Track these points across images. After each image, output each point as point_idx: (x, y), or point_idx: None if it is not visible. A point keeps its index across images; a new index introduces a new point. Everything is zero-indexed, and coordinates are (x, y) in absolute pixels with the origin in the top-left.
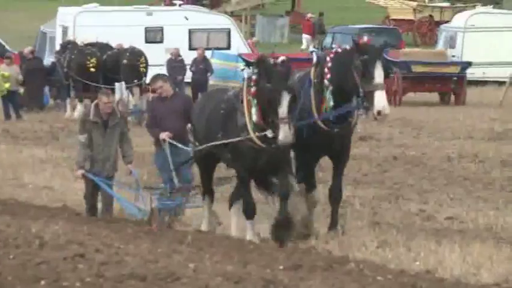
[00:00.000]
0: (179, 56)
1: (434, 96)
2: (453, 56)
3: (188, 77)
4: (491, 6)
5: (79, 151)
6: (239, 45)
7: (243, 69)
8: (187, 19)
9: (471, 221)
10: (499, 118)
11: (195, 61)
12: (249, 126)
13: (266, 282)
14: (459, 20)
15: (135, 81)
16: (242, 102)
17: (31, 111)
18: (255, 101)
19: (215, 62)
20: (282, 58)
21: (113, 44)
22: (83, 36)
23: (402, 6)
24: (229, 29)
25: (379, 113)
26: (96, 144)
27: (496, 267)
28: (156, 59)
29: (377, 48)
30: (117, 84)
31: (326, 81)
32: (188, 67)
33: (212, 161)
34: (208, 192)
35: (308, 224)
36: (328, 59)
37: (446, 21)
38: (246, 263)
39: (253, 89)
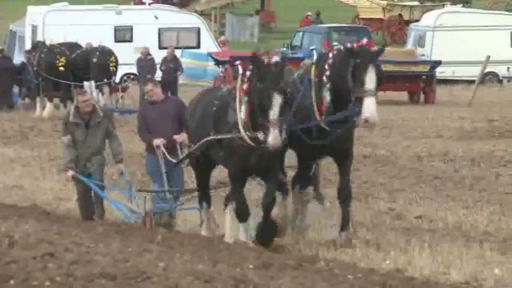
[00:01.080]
0: (149, 55)
1: (404, 95)
2: (422, 55)
3: (158, 76)
4: (461, 5)
5: (64, 153)
6: (209, 44)
7: (238, 64)
8: (157, 18)
9: (441, 219)
10: (468, 117)
11: (164, 60)
12: (240, 124)
13: (236, 281)
14: (428, 19)
15: (105, 80)
16: (235, 99)
17: (0, 111)
18: (245, 99)
19: (185, 61)
20: (276, 58)
21: (83, 43)
22: (52, 35)
23: (372, 5)
24: (199, 27)
25: (366, 120)
26: (78, 144)
27: (466, 266)
28: (126, 58)
29: (371, 53)
30: (86, 83)
31: (325, 79)
32: (158, 66)
33: (208, 164)
34: (205, 198)
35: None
36: (330, 55)
37: (416, 20)
38: (216, 262)
39: (245, 86)
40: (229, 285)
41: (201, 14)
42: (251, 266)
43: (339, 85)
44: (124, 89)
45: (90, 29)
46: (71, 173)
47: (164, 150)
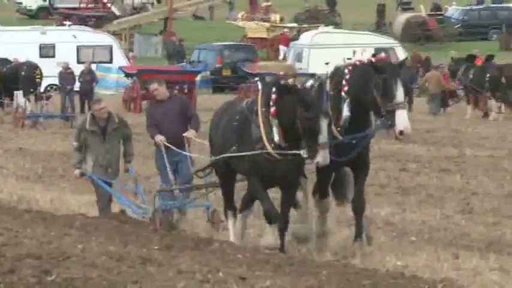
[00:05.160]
0: (69, 68)
1: None
2: (301, 69)
3: (77, 86)
4: (332, 26)
5: (72, 155)
6: (120, 59)
7: (256, 81)
8: (75, 37)
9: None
10: None
11: (82, 73)
12: (265, 139)
13: (143, 260)
14: (305, 38)
15: (31, 90)
16: (257, 114)
17: None
18: (276, 121)
19: (99, 73)
20: (310, 82)
21: (12, 59)
22: None
23: (257, 26)
24: (112, 45)
25: (401, 132)
26: (96, 151)
27: (337, 246)
28: (49, 71)
29: (396, 66)
30: (15, 92)
31: (343, 94)
32: (77, 78)
33: (231, 173)
34: (230, 208)
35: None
36: (346, 71)
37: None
38: (126, 244)
39: (273, 109)
40: (137, 263)
41: (113, 33)
42: (156, 247)
43: (360, 99)
44: (48, 98)
45: (18, 47)
46: (77, 171)
47: (168, 145)
